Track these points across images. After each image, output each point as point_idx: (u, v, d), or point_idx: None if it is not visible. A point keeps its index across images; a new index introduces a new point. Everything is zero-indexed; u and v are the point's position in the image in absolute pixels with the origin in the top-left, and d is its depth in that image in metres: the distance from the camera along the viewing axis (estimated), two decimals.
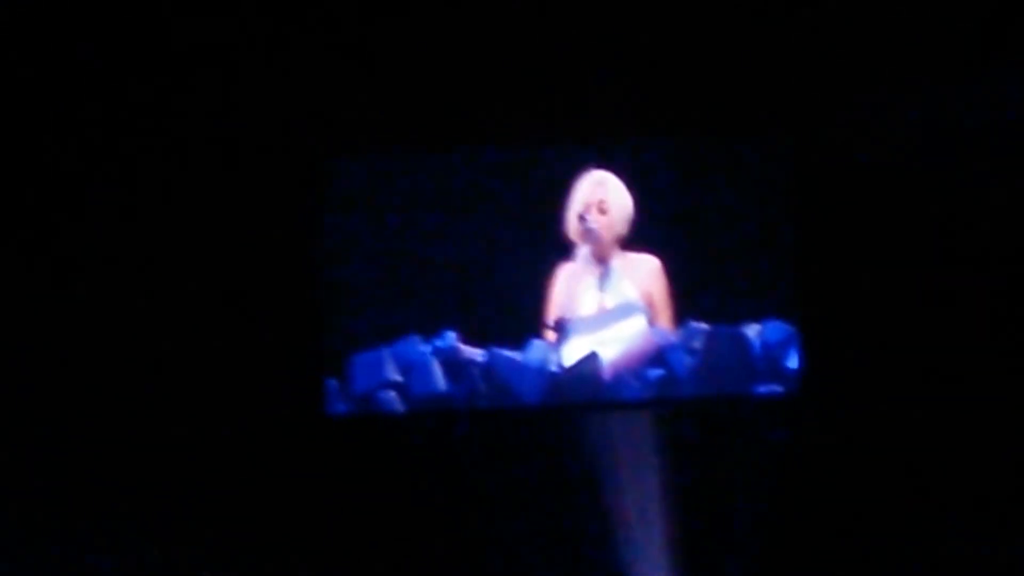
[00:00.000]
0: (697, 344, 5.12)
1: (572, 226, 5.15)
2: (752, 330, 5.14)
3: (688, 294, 5.17)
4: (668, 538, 5.09)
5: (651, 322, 5.14)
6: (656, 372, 5.11)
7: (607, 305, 5.16)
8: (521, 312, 5.17)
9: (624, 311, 5.15)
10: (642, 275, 5.17)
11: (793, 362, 5.11)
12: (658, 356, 5.12)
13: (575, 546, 5.15)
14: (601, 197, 5.15)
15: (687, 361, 5.11)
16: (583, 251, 5.15)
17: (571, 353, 5.12)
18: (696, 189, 5.23)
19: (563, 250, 5.17)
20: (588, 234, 5.13)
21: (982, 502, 5.05)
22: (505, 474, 5.18)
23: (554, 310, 5.14)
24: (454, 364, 5.14)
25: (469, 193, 5.26)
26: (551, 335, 5.13)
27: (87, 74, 5.20)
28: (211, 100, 5.24)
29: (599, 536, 5.12)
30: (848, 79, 5.17)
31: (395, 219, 5.24)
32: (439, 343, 5.14)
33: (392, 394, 5.14)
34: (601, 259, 5.17)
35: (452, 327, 5.16)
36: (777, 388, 5.12)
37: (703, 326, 5.13)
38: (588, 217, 5.12)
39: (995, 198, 5.12)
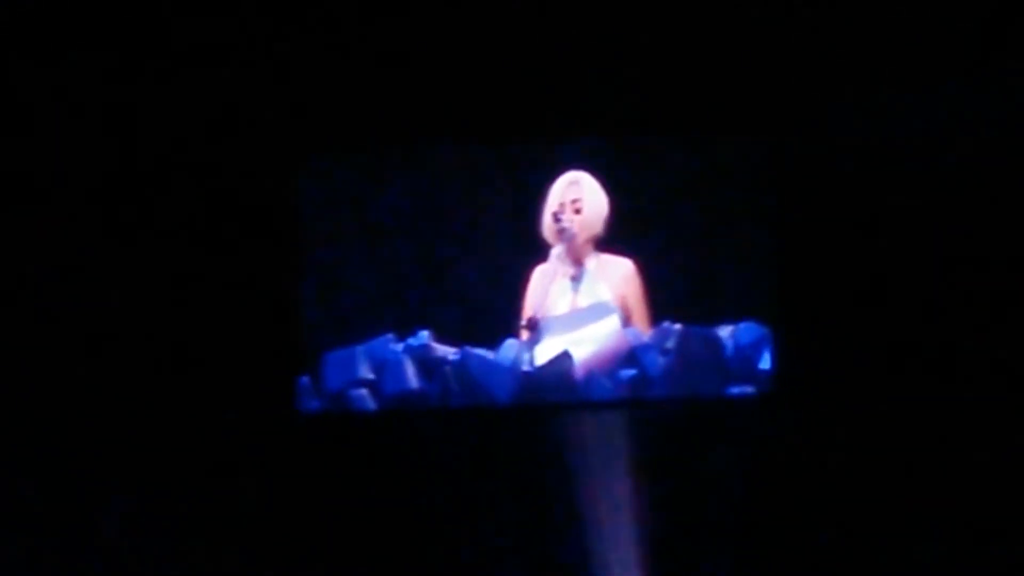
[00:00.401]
0: (670, 345, 5.12)
1: (547, 225, 5.16)
2: (725, 331, 5.14)
3: (662, 295, 5.17)
4: (641, 538, 5.11)
5: (625, 323, 5.14)
6: (628, 372, 5.11)
7: (581, 305, 5.16)
8: (495, 311, 5.17)
9: (597, 311, 5.15)
10: (617, 277, 5.17)
11: (766, 363, 5.12)
12: (631, 356, 5.12)
13: (547, 546, 5.17)
14: (575, 196, 5.15)
15: (660, 362, 5.12)
16: (557, 251, 5.15)
17: (544, 353, 5.12)
18: (672, 190, 5.22)
19: (538, 250, 5.17)
20: (562, 233, 5.13)
21: (957, 499, 5.05)
22: (477, 473, 5.19)
23: (528, 310, 5.14)
24: (427, 363, 5.14)
25: (444, 192, 5.25)
26: (524, 334, 5.13)
27: (64, 68, 5.19)
28: (187, 98, 5.22)
29: (571, 536, 5.13)
30: (826, 81, 5.16)
31: (370, 218, 5.23)
32: (412, 342, 5.15)
33: (364, 392, 5.15)
34: (576, 259, 5.17)
35: (426, 326, 5.16)
36: (750, 389, 5.12)
37: (676, 327, 5.13)
38: (562, 217, 5.12)
39: (974, 200, 5.11)
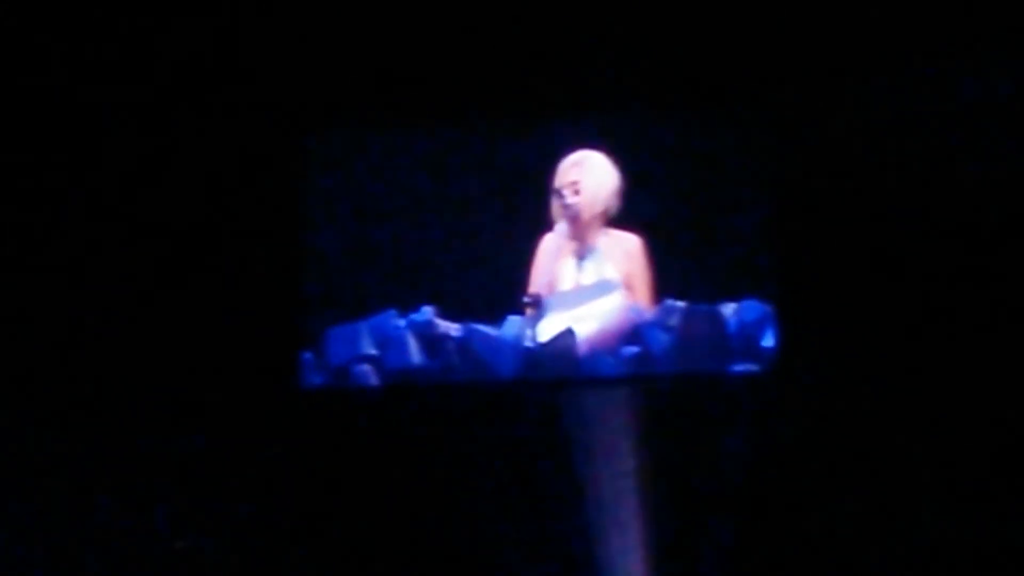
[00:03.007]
0: (673, 322, 5.11)
1: (553, 204, 5.15)
2: (728, 309, 5.13)
3: (666, 272, 5.16)
4: (643, 515, 5.11)
5: (629, 300, 5.14)
6: (632, 349, 5.10)
7: (585, 282, 5.16)
8: (498, 287, 5.16)
9: (601, 288, 5.14)
10: (623, 253, 5.16)
11: (769, 341, 5.10)
12: (634, 333, 5.11)
13: (550, 521, 5.17)
14: (574, 178, 5.13)
15: (663, 339, 5.11)
16: (562, 228, 5.14)
17: (547, 329, 5.11)
18: (675, 167, 5.21)
19: (543, 227, 5.16)
20: (566, 212, 5.13)
21: (959, 480, 5.06)
22: (479, 448, 5.19)
23: (533, 285, 5.14)
24: (430, 338, 5.13)
25: (449, 168, 5.25)
26: (528, 310, 5.12)
27: (61, 45, 5.18)
28: (189, 75, 5.22)
29: (574, 512, 5.13)
30: (829, 59, 5.16)
31: (373, 193, 5.23)
32: (416, 317, 5.14)
33: (367, 367, 5.14)
34: (581, 236, 5.16)
35: (429, 302, 5.15)
36: (753, 367, 5.12)
37: (680, 304, 5.11)
38: (565, 194, 5.12)
39: (976, 180, 5.12)
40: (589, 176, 5.14)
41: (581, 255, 5.16)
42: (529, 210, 5.17)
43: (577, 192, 5.13)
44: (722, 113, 5.25)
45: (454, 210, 5.22)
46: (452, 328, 5.14)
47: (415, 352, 5.13)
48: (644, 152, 5.21)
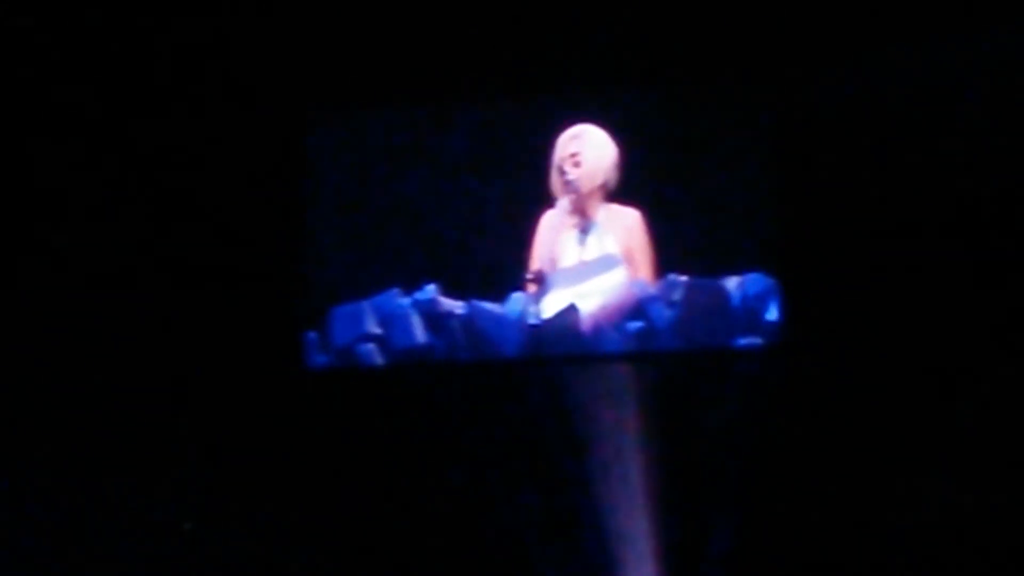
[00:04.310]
0: (677, 297, 5.11)
1: (553, 179, 5.15)
2: (732, 282, 5.12)
3: (669, 246, 5.15)
4: (649, 489, 5.11)
5: (631, 275, 5.13)
6: (636, 325, 5.10)
7: (587, 257, 5.15)
8: (501, 264, 5.17)
9: (604, 264, 5.14)
10: (623, 227, 5.15)
11: (773, 314, 5.09)
12: (638, 309, 5.11)
13: (555, 496, 5.18)
14: (574, 150, 5.13)
15: (667, 314, 5.10)
16: (564, 203, 5.14)
17: (551, 306, 5.12)
18: (678, 141, 5.20)
19: (545, 203, 5.16)
20: (567, 186, 5.12)
21: (961, 451, 5.05)
22: (484, 425, 5.20)
23: (535, 261, 5.13)
24: (434, 317, 5.14)
25: (450, 147, 5.25)
26: (531, 287, 5.12)
27: (64, 35, 5.19)
28: (192, 57, 5.22)
29: (579, 487, 5.14)
30: (831, 31, 5.12)
31: (374, 173, 5.24)
32: (419, 296, 5.15)
33: (372, 346, 5.15)
34: (583, 211, 5.16)
35: (432, 280, 5.16)
36: (757, 340, 5.11)
37: (683, 279, 5.11)
38: (565, 169, 5.12)
39: (979, 153, 5.08)
40: (589, 148, 5.14)
41: (583, 230, 5.16)
42: (530, 187, 5.16)
43: (577, 164, 5.13)
44: (724, 85, 5.22)
45: (455, 188, 5.22)
46: (456, 306, 5.15)
47: (419, 331, 5.14)
48: (644, 126, 5.20)
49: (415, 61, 5.20)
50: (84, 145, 5.27)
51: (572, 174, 5.11)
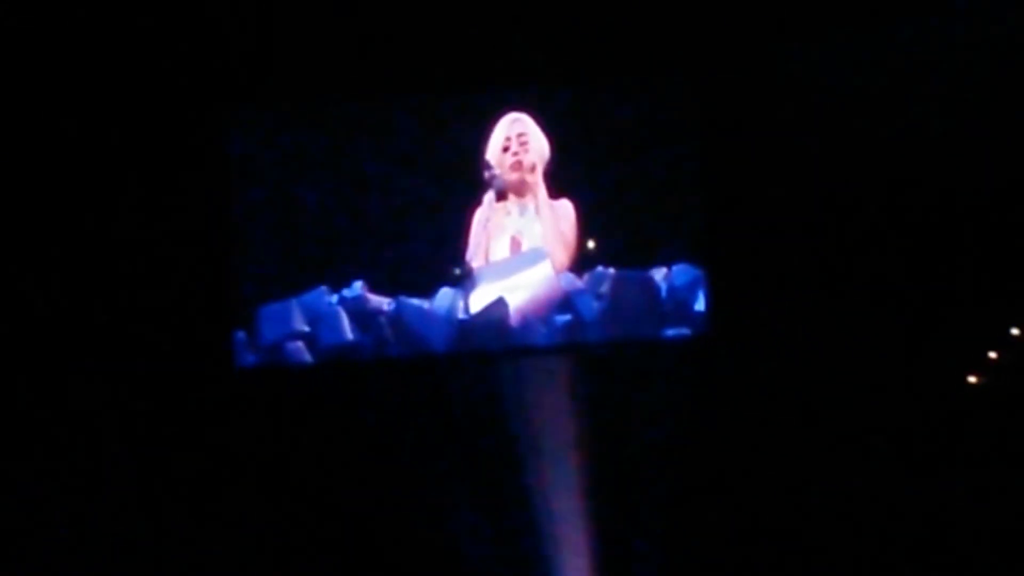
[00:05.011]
0: (604, 289, 5.13)
1: (497, 160, 5.14)
2: (659, 274, 5.15)
3: (595, 239, 5.17)
4: (580, 481, 5.12)
5: (560, 267, 5.14)
6: (564, 318, 5.12)
7: (522, 247, 5.16)
8: (429, 261, 5.17)
9: (531, 258, 5.16)
10: (557, 219, 5.16)
11: (701, 305, 5.13)
12: (565, 301, 5.13)
13: (486, 492, 5.18)
14: (520, 131, 5.16)
15: (595, 306, 5.13)
16: (490, 198, 5.14)
17: (478, 300, 5.12)
18: (603, 133, 5.22)
19: (472, 198, 5.16)
20: (518, 166, 5.13)
21: (890, 438, 5.10)
22: (414, 421, 5.20)
23: (469, 253, 5.13)
24: (362, 314, 5.14)
25: (377, 144, 5.24)
26: (458, 282, 5.12)
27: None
28: (116, 55, 5.18)
29: (511, 480, 5.14)
30: (755, 21, 5.15)
31: (299, 169, 5.22)
32: (346, 293, 5.14)
33: (300, 344, 5.14)
34: (519, 197, 5.17)
35: (360, 277, 5.15)
36: (685, 331, 5.14)
37: (610, 271, 5.13)
38: (513, 148, 5.12)
39: (907, 145, 5.12)
40: (532, 130, 5.16)
41: (517, 221, 5.16)
42: (457, 183, 5.17)
43: (524, 143, 5.14)
44: (648, 80, 5.25)
45: (382, 185, 5.22)
46: (383, 302, 5.15)
47: (347, 328, 5.14)
48: (572, 120, 5.22)
49: (342, 58, 5.19)
50: (9, 148, 5.22)
51: (520, 152, 5.13)
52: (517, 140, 5.16)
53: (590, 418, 5.13)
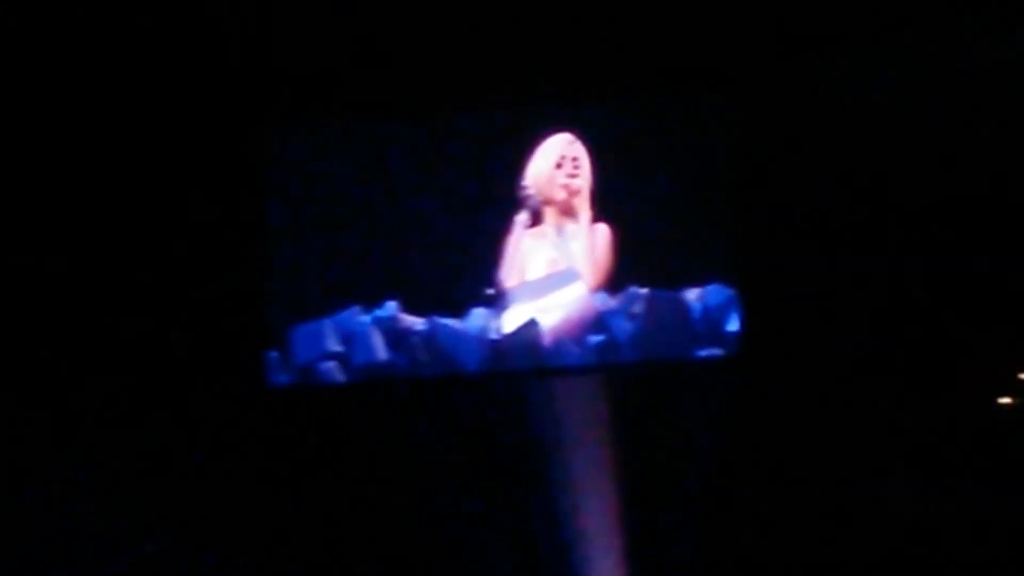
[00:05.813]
0: (637, 309, 5.13)
1: (548, 178, 5.13)
2: (692, 294, 5.14)
3: (629, 259, 5.16)
4: (613, 500, 5.13)
5: (593, 287, 5.14)
6: (596, 338, 5.12)
7: (559, 268, 5.15)
8: (462, 280, 5.17)
9: (564, 278, 5.15)
10: (592, 241, 5.16)
11: (733, 325, 5.12)
12: (598, 322, 5.12)
13: (519, 512, 5.19)
14: (575, 154, 5.15)
15: (627, 326, 5.12)
16: (523, 218, 5.13)
17: (511, 320, 5.12)
18: (637, 154, 5.20)
19: (505, 219, 5.15)
20: (567, 186, 5.12)
21: (921, 459, 5.10)
22: (447, 441, 5.21)
23: (503, 273, 5.13)
24: (395, 333, 5.14)
25: (411, 163, 5.23)
26: (492, 302, 5.12)
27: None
28: (151, 70, 5.17)
29: (544, 501, 5.15)
30: (791, 42, 5.14)
31: (334, 190, 5.21)
32: (380, 313, 5.14)
33: (333, 364, 5.14)
34: (555, 222, 5.16)
35: (393, 297, 5.15)
36: (718, 351, 5.13)
37: (643, 291, 5.13)
38: (569, 171, 5.11)
39: (939, 164, 5.11)
40: (582, 153, 5.16)
41: (551, 244, 5.16)
42: (491, 202, 5.16)
43: (577, 166, 5.14)
44: (684, 99, 5.23)
45: (416, 204, 5.21)
46: (416, 322, 5.14)
47: (380, 347, 5.14)
48: (606, 139, 5.20)
49: (377, 78, 5.17)
50: (44, 161, 5.22)
51: (574, 175, 5.13)
52: (572, 163, 5.15)
53: (623, 438, 5.14)
